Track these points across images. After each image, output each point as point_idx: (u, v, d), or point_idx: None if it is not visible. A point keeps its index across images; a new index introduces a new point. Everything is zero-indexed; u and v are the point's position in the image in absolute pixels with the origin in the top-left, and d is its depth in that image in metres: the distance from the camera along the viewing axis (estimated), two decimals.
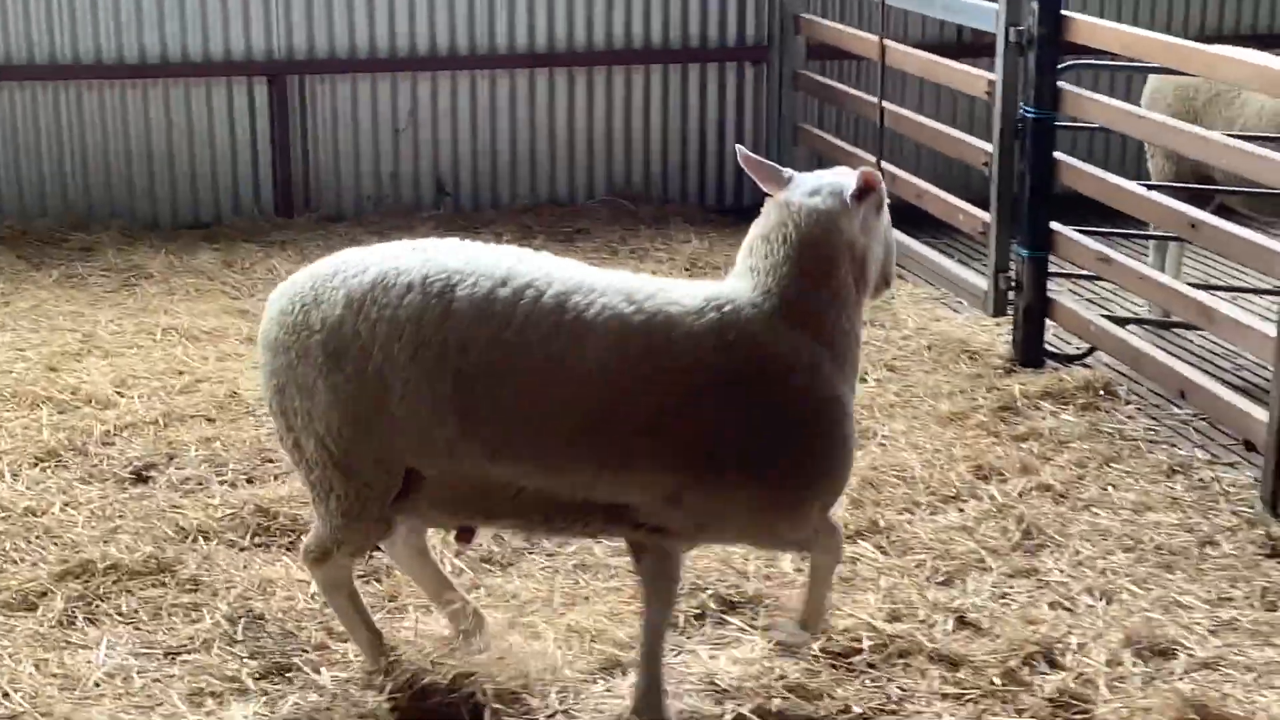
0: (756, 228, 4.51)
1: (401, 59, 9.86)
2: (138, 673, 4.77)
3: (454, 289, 4.25)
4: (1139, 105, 7.92)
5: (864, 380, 6.92)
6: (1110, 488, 6.12)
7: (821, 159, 9.30)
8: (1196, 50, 6.53)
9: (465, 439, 4.27)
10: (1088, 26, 7.15)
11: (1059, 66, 7.26)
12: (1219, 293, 7.43)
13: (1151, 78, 7.94)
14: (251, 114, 9.75)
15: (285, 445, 4.56)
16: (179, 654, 4.89)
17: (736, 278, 4.47)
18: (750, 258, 4.46)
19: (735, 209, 10.33)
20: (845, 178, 4.48)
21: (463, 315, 4.23)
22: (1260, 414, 5.97)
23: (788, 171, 4.58)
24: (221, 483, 6.06)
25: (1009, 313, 7.68)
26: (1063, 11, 7.16)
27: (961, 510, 5.91)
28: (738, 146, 4.81)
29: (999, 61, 7.45)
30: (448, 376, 4.23)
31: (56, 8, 9.40)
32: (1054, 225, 7.38)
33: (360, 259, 4.42)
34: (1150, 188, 7.24)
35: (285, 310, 4.42)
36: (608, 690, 4.70)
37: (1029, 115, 7.26)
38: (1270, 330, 5.93)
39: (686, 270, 8.92)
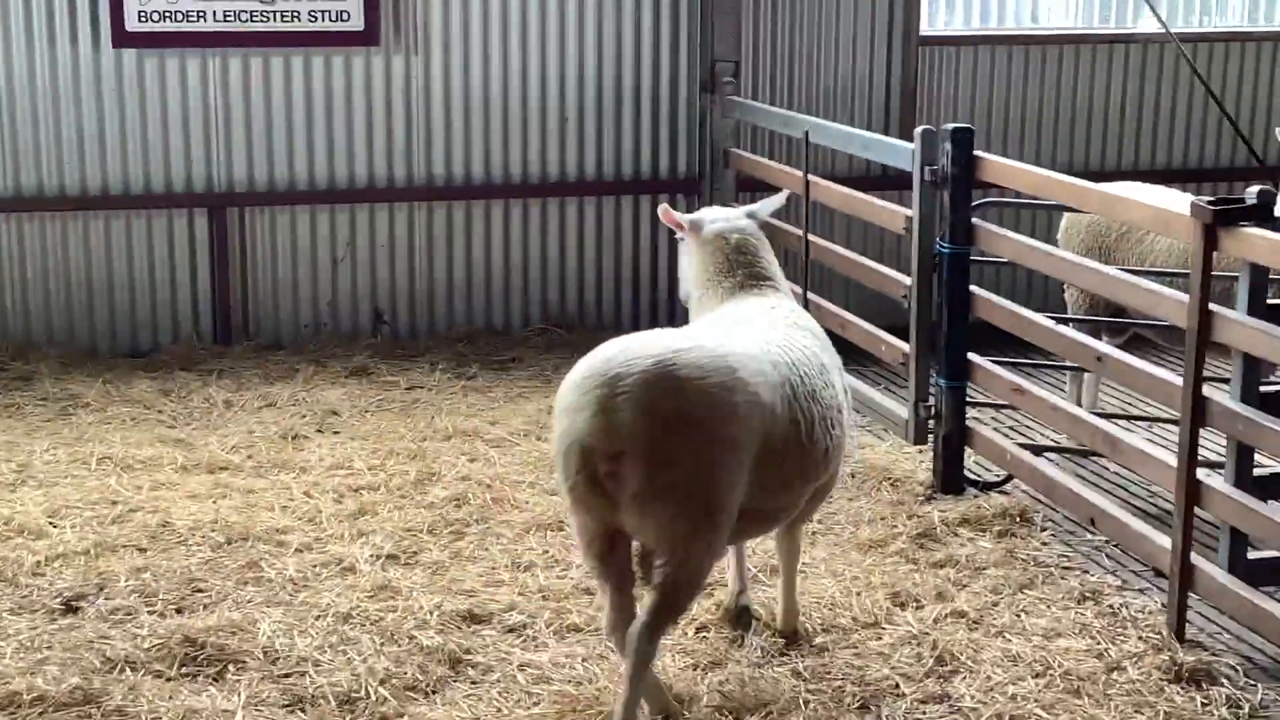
0: (709, 263, 6.10)
1: (340, 190, 10.05)
2: None
3: (791, 373, 5.42)
4: (1053, 237, 8.19)
5: None
6: (1023, 614, 6.28)
7: None
8: (1095, 191, 6.79)
9: (801, 480, 5.53)
10: (998, 166, 7.41)
11: (973, 204, 7.52)
12: (1124, 422, 7.65)
13: (1066, 214, 8.22)
14: (191, 244, 9.88)
15: (669, 515, 5.06)
16: None
17: (716, 300, 5.99)
18: (722, 283, 6.01)
19: None
20: (737, 207, 6.32)
21: (800, 389, 5.43)
22: (1164, 541, 6.16)
23: (693, 217, 6.23)
24: (150, 612, 6.12)
25: (929, 441, 7.88)
26: (975, 152, 7.43)
27: (879, 637, 6.06)
28: (661, 207, 6.30)
29: (915, 199, 7.71)
30: (800, 437, 5.39)
31: None
32: (971, 356, 7.61)
33: (727, 353, 5.21)
34: (1061, 320, 7.47)
35: (709, 396, 5.07)
36: None
37: (944, 250, 7.52)
38: (1171, 459, 6.13)
39: None
